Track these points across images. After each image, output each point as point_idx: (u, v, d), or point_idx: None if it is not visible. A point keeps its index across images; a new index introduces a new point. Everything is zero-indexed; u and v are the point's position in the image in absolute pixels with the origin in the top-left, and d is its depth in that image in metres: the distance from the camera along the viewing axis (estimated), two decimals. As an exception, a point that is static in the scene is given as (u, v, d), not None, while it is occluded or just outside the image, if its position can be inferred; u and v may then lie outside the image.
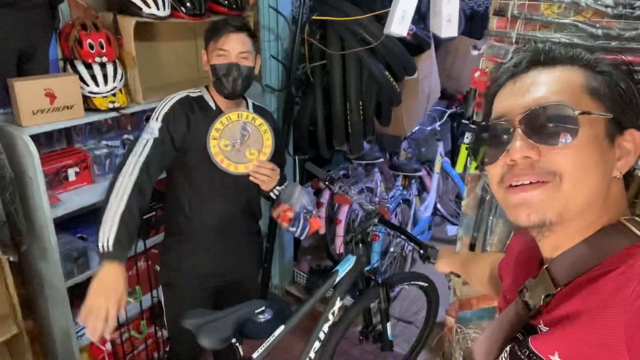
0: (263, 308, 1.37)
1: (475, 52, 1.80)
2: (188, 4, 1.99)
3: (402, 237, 1.67)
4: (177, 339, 1.81)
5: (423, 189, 3.52)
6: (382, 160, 3.06)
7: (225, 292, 1.82)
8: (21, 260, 1.85)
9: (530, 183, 0.60)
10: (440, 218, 3.77)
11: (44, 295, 1.86)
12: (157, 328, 2.25)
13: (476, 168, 1.90)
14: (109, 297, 1.23)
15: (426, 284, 2.03)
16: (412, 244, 1.61)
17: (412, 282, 1.97)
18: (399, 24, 1.54)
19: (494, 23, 1.77)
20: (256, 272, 1.93)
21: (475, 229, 2.04)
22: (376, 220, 1.66)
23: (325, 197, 2.85)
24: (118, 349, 2.12)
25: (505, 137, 0.63)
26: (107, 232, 1.34)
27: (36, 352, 1.92)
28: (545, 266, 0.65)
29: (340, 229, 2.76)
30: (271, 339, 1.48)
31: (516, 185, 0.62)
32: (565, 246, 0.63)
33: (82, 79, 1.74)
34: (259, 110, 1.73)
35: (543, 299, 0.62)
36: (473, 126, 1.88)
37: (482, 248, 2.05)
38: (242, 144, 1.58)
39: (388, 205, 2.72)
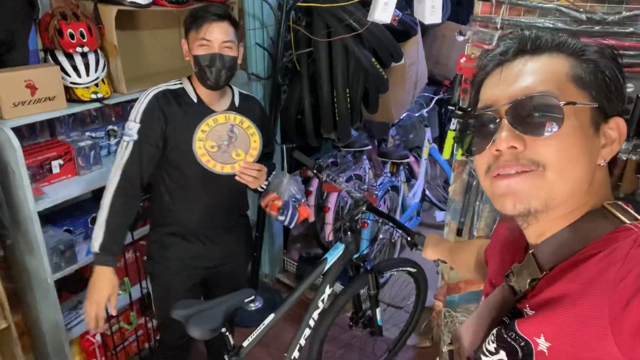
0: (252, 297, 1.37)
1: (460, 38, 1.79)
2: (171, -8, 1.96)
3: (390, 224, 1.67)
4: (167, 328, 1.80)
5: (411, 175, 3.53)
6: (370, 147, 3.06)
7: (214, 282, 1.81)
8: (7, 254, 1.83)
9: (516, 172, 0.61)
10: (429, 204, 3.79)
11: (31, 288, 1.84)
12: (147, 319, 2.25)
13: (462, 155, 1.92)
14: (94, 301, 1.44)
15: (415, 270, 2.05)
16: (399, 231, 1.62)
17: (401, 268, 1.99)
18: (383, 11, 1.53)
19: (478, 8, 1.76)
20: (245, 262, 1.92)
21: (462, 215, 2.06)
22: (364, 208, 1.66)
23: (314, 185, 2.85)
24: (108, 340, 2.12)
25: (491, 126, 0.63)
26: (95, 235, 1.46)
27: (25, 345, 1.91)
28: (530, 251, 0.66)
29: (330, 217, 2.77)
30: (261, 327, 1.49)
31: (502, 175, 0.63)
32: (550, 232, 0.64)
33: (63, 70, 1.70)
34: (246, 99, 1.70)
35: (529, 283, 0.63)
36: (459, 112, 1.88)
37: (469, 233, 2.07)
38: (228, 145, 1.55)
39: (376, 192, 2.73)
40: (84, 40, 1.71)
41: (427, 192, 3.68)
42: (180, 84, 1.60)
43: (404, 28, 2.67)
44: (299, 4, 2.25)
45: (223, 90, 1.62)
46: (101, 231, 1.45)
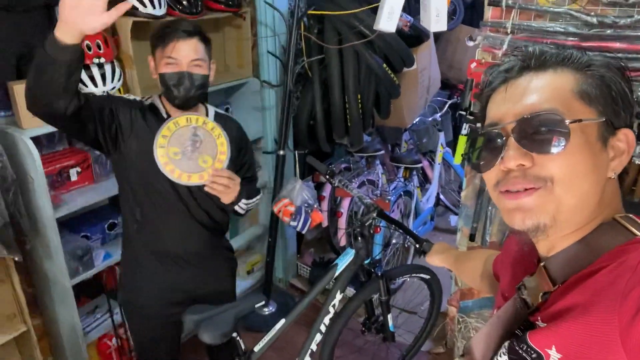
0: (263, 302, 1.39)
1: (470, 44, 1.80)
2: (184, 2, 2.00)
3: (399, 230, 1.68)
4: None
5: (425, 180, 3.52)
6: (383, 152, 3.06)
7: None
8: (27, 260, 1.89)
9: (525, 190, 0.61)
10: (443, 208, 3.77)
11: (50, 293, 1.89)
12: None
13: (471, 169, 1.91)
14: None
15: (428, 277, 2.04)
16: (409, 237, 1.62)
17: (414, 275, 1.99)
18: (387, 20, 1.54)
19: (489, 13, 1.76)
20: (228, 286, 1.73)
21: (475, 220, 2.05)
22: (375, 214, 1.67)
23: (327, 190, 2.87)
24: (124, 343, 2.16)
25: (499, 144, 0.64)
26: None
27: (44, 348, 1.96)
28: (542, 264, 0.66)
29: (343, 222, 2.78)
30: (272, 332, 1.50)
31: (510, 192, 0.63)
32: (561, 246, 0.64)
33: (80, 80, 1.75)
34: (221, 119, 1.56)
35: (541, 296, 0.64)
36: (470, 117, 1.88)
37: (482, 238, 2.06)
38: (193, 151, 1.40)
39: (389, 197, 2.73)
40: (101, 52, 1.76)
41: (441, 196, 3.66)
42: (151, 100, 1.50)
43: (415, 33, 2.68)
44: (310, 11, 2.27)
45: (196, 109, 1.51)
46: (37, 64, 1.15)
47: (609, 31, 1.53)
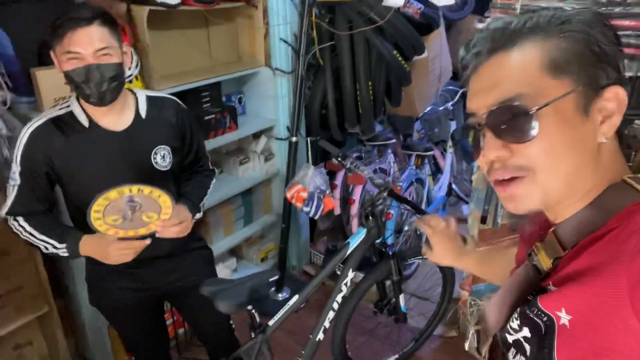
0: (276, 276, 1.43)
1: (480, 26, 1.82)
2: (198, -9, 2.05)
3: (409, 208, 1.71)
4: (140, 355, 1.70)
5: (437, 169, 3.53)
6: (394, 141, 3.09)
7: (178, 299, 1.64)
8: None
9: (510, 178, 0.62)
10: (455, 198, 3.78)
11: (72, 274, 1.96)
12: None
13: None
14: (113, 256, 1.30)
15: (439, 258, 2.06)
16: (418, 215, 1.65)
17: (424, 257, 2.01)
18: (398, -6, 1.57)
19: (498, -5, 1.78)
20: (209, 276, 1.62)
21: (486, 202, 2.07)
22: (385, 194, 1.70)
23: (339, 179, 2.90)
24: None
25: (479, 135, 0.64)
26: (49, 246, 1.34)
27: (66, 329, 2.03)
28: (552, 229, 0.66)
29: (355, 209, 2.81)
30: (286, 307, 1.55)
31: (498, 180, 0.64)
32: (568, 213, 0.64)
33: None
34: (154, 104, 1.43)
35: (552, 262, 0.64)
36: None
37: (493, 221, 2.08)
38: (134, 213, 1.28)
39: (401, 184, 2.76)
40: (118, 39, 1.81)
41: (453, 186, 3.66)
42: (68, 106, 1.34)
43: (426, 21, 2.69)
44: (320, 0, 2.31)
45: (121, 101, 1.35)
46: (49, 240, 1.34)
47: (618, 9, 1.53)
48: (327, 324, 1.70)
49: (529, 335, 0.64)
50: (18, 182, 1.31)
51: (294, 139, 2.45)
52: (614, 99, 0.59)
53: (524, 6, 1.71)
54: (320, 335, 1.69)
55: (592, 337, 0.55)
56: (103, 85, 1.24)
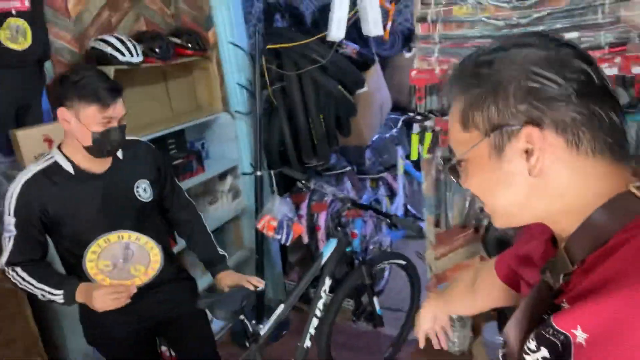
0: (264, 285, 1.59)
1: (408, 55, 2.14)
2: (157, 50, 2.26)
3: (371, 211, 1.93)
4: None
5: (392, 193, 3.81)
6: (349, 168, 3.35)
7: (168, 331, 1.73)
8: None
9: None
10: (412, 218, 4.05)
11: (60, 325, 2.01)
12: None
13: (427, 152, 2.20)
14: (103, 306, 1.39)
15: (405, 262, 2.28)
16: (380, 216, 1.87)
17: (392, 261, 2.22)
18: (337, 29, 1.86)
19: (419, 28, 2.11)
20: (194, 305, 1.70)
21: (436, 207, 2.32)
22: (349, 204, 1.92)
23: (304, 208, 3.09)
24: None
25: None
26: (46, 294, 1.44)
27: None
28: (562, 245, 0.65)
29: (322, 234, 3.00)
30: (274, 316, 1.69)
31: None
32: (570, 229, 0.63)
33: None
34: (129, 147, 1.59)
35: (562, 277, 0.63)
36: (418, 117, 2.19)
37: (445, 223, 2.33)
38: (125, 262, 1.43)
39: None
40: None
41: (408, 206, 3.94)
42: (52, 158, 1.48)
43: (362, 59, 3.04)
44: (268, 46, 2.59)
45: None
46: (46, 287, 1.43)
47: (515, 30, 1.89)
48: (312, 330, 1.85)
49: (547, 355, 0.61)
50: (14, 232, 1.42)
51: (258, 172, 2.65)
52: (528, 140, 0.59)
53: (442, 35, 2.04)
54: (308, 343, 1.84)
55: (609, 356, 0.53)
56: (117, 142, 1.44)
